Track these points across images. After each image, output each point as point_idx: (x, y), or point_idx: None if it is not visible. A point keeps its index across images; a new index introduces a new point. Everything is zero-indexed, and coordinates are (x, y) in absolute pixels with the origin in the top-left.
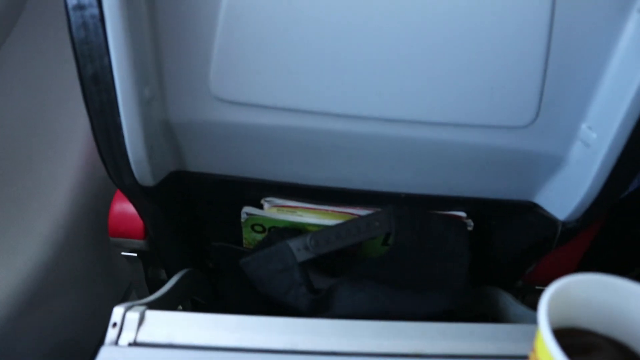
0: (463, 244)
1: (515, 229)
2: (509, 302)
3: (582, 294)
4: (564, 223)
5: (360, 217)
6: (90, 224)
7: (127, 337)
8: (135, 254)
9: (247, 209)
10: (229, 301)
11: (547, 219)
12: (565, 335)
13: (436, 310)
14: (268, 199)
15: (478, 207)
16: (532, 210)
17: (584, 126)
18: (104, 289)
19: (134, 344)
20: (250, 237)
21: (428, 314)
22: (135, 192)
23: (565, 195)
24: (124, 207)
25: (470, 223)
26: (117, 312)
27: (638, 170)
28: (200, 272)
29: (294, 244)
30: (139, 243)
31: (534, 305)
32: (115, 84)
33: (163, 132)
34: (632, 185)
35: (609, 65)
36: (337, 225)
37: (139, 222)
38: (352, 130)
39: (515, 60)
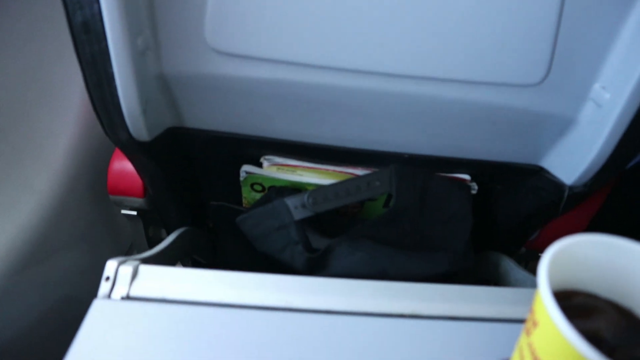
0: (466, 207)
1: (521, 193)
2: (510, 267)
3: (584, 255)
4: (570, 187)
5: (361, 176)
6: (89, 182)
7: (120, 291)
8: (135, 213)
9: (246, 168)
10: (229, 261)
11: (554, 184)
12: (565, 298)
13: (436, 273)
14: (267, 157)
15: (483, 170)
16: (538, 175)
17: (597, 86)
18: (106, 248)
19: (127, 297)
20: (250, 196)
21: (427, 276)
22: (131, 148)
23: (573, 158)
24: (123, 165)
25: (475, 186)
26: (111, 266)
27: None
28: (200, 231)
29: (292, 201)
30: (139, 201)
31: (536, 272)
32: (106, 33)
33: (158, 86)
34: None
35: (627, 22)
36: (336, 184)
37: (138, 180)
38: (353, 86)
39: (528, 12)
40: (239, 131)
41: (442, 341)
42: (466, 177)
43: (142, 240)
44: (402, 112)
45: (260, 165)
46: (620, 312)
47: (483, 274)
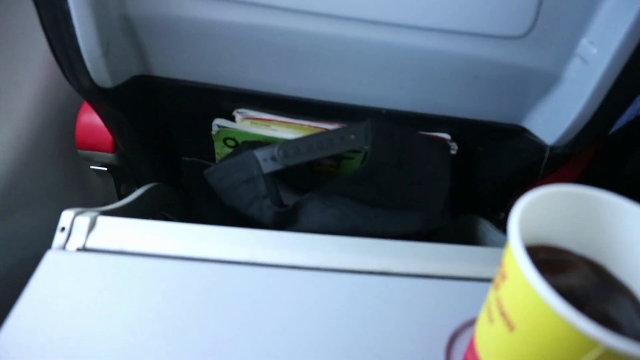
0: (445, 167)
1: (502, 155)
2: (488, 230)
3: (557, 208)
4: (552, 148)
5: (335, 129)
6: (57, 135)
7: (75, 242)
8: (105, 169)
9: (219, 121)
10: (202, 219)
11: (535, 145)
12: (537, 253)
13: (409, 231)
14: (240, 110)
15: (464, 130)
16: (520, 136)
17: (584, 40)
18: (75, 206)
19: (83, 249)
20: (223, 152)
21: (400, 234)
22: (94, 96)
23: (556, 117)
24: (91, 118)
25: (455, 146)
26: (66, 216)
27: (634, 93)
28: (170, 187)
29: (261, 154)
30: (109, 156)
31: None
32: None
33: (122, 28)
34: (621, 120)
35: None
36: (308, 136)
37: (107, 135)
38: (328, 33)
39: None
40: (211, 81)
41: (412, 299)
42: (446, 136)
43: (113, 198)
44: (380, 63)
45: (233, 119)
46: (592, 267)
47: (460, 237)
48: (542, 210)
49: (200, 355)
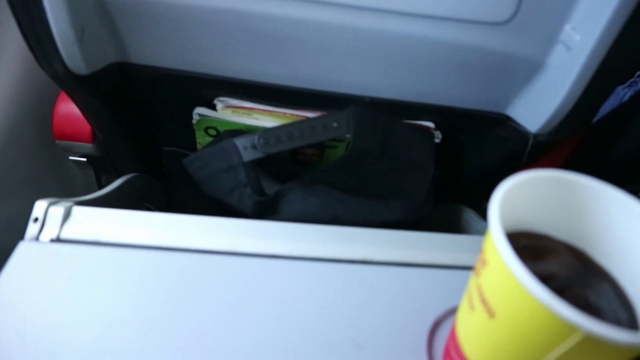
0: (428, 156)
1: (486, 144)
2: (472, 219)
3: (539, 193)
4: (535, 136)
5: (317, 117)
6: (34, 126)
7: (49, 233)
8: (84, 159)
9: (199, 110)
10: (183, 209)
11: (519, 133)
12: (518, 238)
13: (392, 219)
14: (221, 98)
15: (448, 118)
16: (504, 124)
17: (567, 27)
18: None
19: (57, 240)
20: (204, 141)
21: (383, 223)
22: (69, 83)
23: (539, 105)
24: (69, 108)
25: (439, 135)
26: (40, 206)
27: (616, 80)
28: (151, 178)
29: (241, 141)
30: (88, 147)
31: None
32: None
33: (98, 13)
34: (605, 108)
35: None
36: (289, 124)
37: (86, 125)
38: (311, 18)
39: None
40: (191, 69)
41: (394, 288)
42: (430, 124)
43: (93, 189)
44: (363, 50)
45: (214, 107)
46: (573, 253)
47: (444, 226)
48: (523, 195)
49: (179, 346)
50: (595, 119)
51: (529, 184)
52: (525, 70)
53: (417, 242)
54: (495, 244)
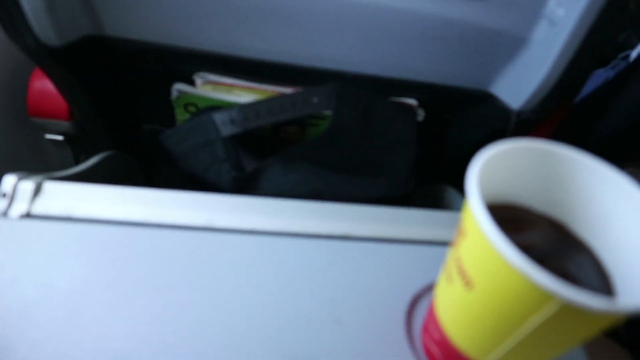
0: (411, 133)
1: (468, 122)
2: (454, 197)
3: (518, 164)
4: (518, 113)
5: (298, 91)
6: (6, 102)
7: (18, 208)
8: (61, 137)
9: (179, 86)
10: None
11: (502, 110)
12: (497, 210)
13: (373, 196)
14: (201, 74)
15: (431, 96)
16: (487, 102)
17: (551, 2)
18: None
19: (27, 216)
20: (184, 118)
21: (364, 200)
22: (40, 56)
23: (522, 81)
24: (45, 84)
25: (421, 112)
26: (8, 181)
27: (599, 56)
28: (129, 156)
29: (219, 116)
30: (65, 125)
31: None
32: None
33: None
34: (587, 90)
35: None
36: (269, 99)
37: (62, 101)
38: None
39: None
40: (169, 42)
41: (373, 263)
42: (413, 102)
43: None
44: (344, 23)
45: (193, 83)
46: (553, 225)
47: (427, 205)
48: (502, 167)
49: (153, 323)
50: (577, 99)
51: (509, 154)
52: (508, 45)
53: (396, 217)
54: (473, 213)
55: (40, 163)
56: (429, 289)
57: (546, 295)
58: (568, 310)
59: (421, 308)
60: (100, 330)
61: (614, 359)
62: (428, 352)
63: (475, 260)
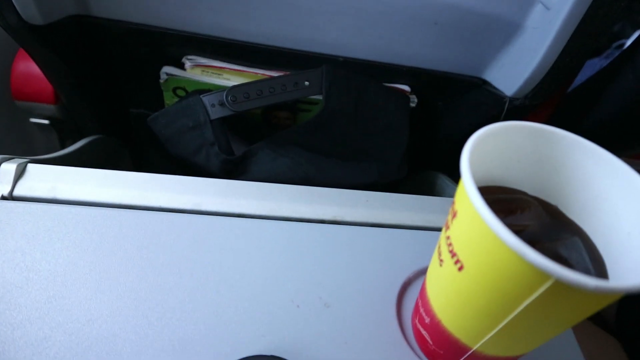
0: (403, 119)
1: (462, 109)
2: (446, 184)
3: (511, 146)
4: (511, 100)
5: (289, 74)
6: None
7: (1, 190)
8: (47, 121)
9: (167, 69)
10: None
11: (495, 97)
12: (490, 192)
13: (364, 182)
14: (190, 57)
15: (424, 81)
16: (480, 88)
17: None
18: None
19: (10, 197)
20: (173, 102)
21: (355, 185)
22: (23, 35)
23: (516, 67)
24: (29, 66)
25: (414, 99)
26: None
27: (593, 42)
28: (117, 141)
29: (208, 98)
30: (50, 108)
31: None
32: None
33: None
34: (581, 77)
35: None
36: (259, 81)
37: (47, 84)
38: None
39: None
40: (156, 23)
41: (364, 248)
42: (406, 88)
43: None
44: (336, 5)
45: (182, 67)
46: (546, 208)
47: (419, 192)
48: (496, 148)
49: (139, 306)
50: (571, 88)
51: (503, 134)
52: (502, 31)
53: (387, 203)
54: (466, 192)
55: (25, 148)
56: (419, 274)
57: (538, 275)
58: (560, 290)
59: (412, 293)
60: (83, 314)
61: (604, 348)
62: (418, 336)
63: (466, 241)
